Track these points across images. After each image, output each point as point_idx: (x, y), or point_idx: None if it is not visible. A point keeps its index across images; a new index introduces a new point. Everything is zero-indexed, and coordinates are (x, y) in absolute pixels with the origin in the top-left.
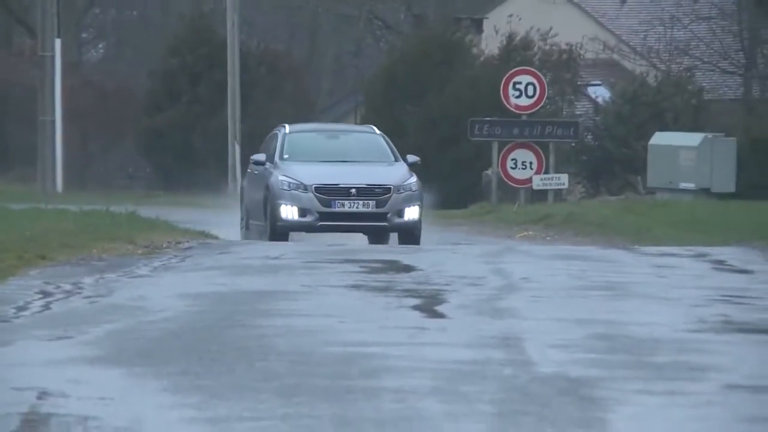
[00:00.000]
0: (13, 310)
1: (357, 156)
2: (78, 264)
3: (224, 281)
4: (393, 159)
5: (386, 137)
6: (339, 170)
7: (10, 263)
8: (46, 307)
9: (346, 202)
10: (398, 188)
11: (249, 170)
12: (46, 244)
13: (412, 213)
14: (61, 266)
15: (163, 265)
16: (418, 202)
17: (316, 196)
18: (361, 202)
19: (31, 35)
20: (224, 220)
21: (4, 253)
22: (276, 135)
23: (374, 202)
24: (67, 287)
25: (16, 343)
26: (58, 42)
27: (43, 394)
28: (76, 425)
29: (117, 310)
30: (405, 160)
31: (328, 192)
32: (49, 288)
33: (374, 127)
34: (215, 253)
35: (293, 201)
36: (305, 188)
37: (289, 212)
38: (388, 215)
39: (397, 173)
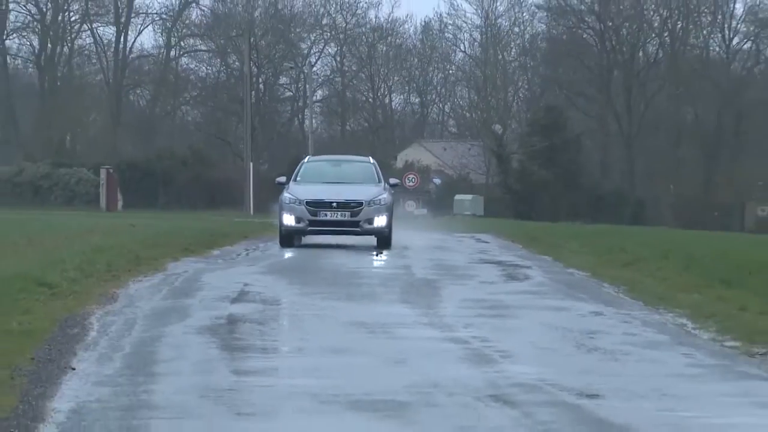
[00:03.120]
0: (235, 255)
1: (350, 179)
2: (258, 239)
3: (308, 247)
4: (377, 180)
5: (376, 165)
6: (328, 189)
7: (234, 239)
8: (247, 255)
9: (328, 213)
10: (369, 202)
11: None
12: (248, 232)
13: (380, 221)
14: (252, 240)
15: None
16: (387, 213)
17: (306, 208)
18: (339, 213)
19: (240, 158)
20: None
21: (233, 236)
22: (300, 163)
23: (349, 212)
24: (254, 247)
25: (236, 267)
26: (251, 164)
27: (245, 285)
28: (257, 295)
29: (271, 256)
30: (387, 182)
31: (315, 205)
32: (248, 247)
33: (370, 158)
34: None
35: (292, 211)
36: (300, 202)
37: (289, 220)
38: (360, 222)
39: (372, 191)
